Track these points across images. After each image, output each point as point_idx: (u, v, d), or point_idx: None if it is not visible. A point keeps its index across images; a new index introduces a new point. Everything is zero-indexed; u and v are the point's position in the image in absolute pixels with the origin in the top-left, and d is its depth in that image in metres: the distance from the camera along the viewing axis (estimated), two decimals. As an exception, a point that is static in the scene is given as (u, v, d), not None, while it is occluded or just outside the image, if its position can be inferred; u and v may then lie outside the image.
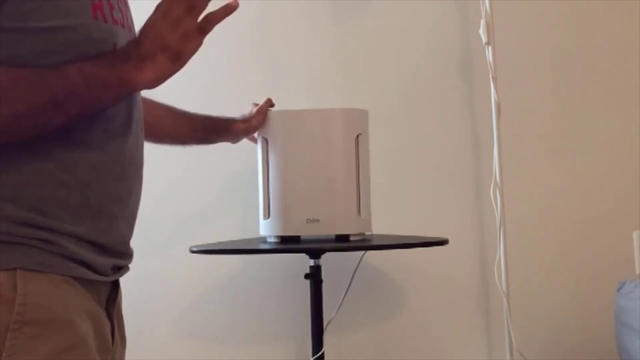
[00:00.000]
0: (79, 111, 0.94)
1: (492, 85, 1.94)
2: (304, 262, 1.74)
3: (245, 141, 1.70)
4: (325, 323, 1.78)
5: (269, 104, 1.67)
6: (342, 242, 1.64)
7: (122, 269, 1.10)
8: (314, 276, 1.73)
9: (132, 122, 1.07)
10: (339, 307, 1.91)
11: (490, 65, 1.93)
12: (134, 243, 1.13)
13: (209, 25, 1.02)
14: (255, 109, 1.65)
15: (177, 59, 0.98)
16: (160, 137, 1.44)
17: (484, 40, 1.93)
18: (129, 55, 0.97)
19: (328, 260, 1.75)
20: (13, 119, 0.89)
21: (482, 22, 1.93)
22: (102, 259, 1.02)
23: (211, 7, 1.02)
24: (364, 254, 1.84)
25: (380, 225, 1.76)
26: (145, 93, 1.10)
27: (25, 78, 0.91)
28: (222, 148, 1.70)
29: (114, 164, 1.03)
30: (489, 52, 1.94)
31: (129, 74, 0.96)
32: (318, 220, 1.61)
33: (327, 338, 1.77)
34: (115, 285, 1.10)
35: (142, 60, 0.96)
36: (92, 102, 0.95)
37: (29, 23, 0.92)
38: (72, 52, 0.95)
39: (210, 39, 2.32)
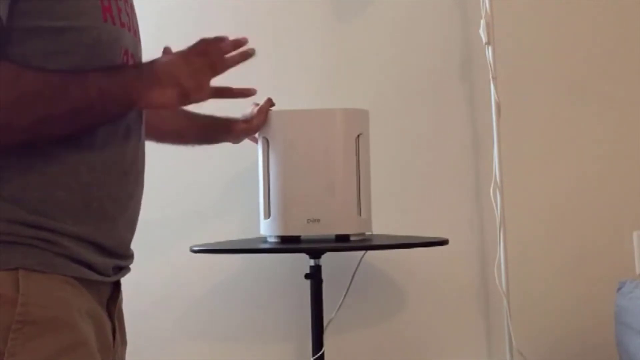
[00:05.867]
0: (90, 124, 0.98)
1: (492, 85, 1.94)
2: (304, 262, 1.74)
3: (245, 141, 1.70)
4: (325, 323, 1.78)
5: (270, 104, 1.67)
6: (342, 242, 1.64)
7: (123, 269, 1.10)
8: (314, 276, 1.73)
9: (134, 125, 1.08)
10: (339, 307, 1.91)
11: (490, 65, 1.93)
12: (134, 243, 1.13)
13: (223, 68, 1.15)
14: (256, 109, 1.65)
15: (184, 97, 1.06)
16: (162, 136, 1.44)
17: (484, 40, 1.93)
18: (141, 75, 1.03)
19: (328, 260, 1.75)
20: (35, 124, 0.91)
21: (482, 22, 1.93)
22: (103, 260, 1.02)
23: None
24: (364, 254, 1.84)
25: (380, 225, 1.76)
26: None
27: (50, 84, 0.92)
28: (222, 148, 1.69)
29: (116, 167, 1.03)
30: (489, 52, 1.94)
31: (138, 93, 1.00)
32: (318, 220, 1.61)
33: (327, 338, 1.78)
34: (117, 285, 1.10)
35: (152, 83, 1.02)
36: (103, 115, 0.98)
37: (41, 22, 0.93)
38: (81, 53, 0.96)
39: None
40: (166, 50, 1.17)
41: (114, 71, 1.00)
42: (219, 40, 1.16)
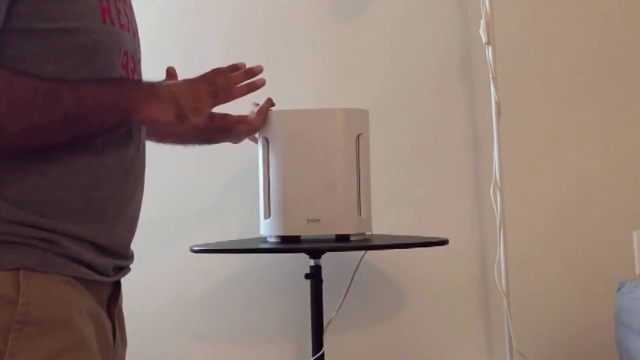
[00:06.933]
0: (83, 132, 0.97)
1: (492, 85, 1.94)
2: (304, 262, 1.74)
3: (245, 141, 1.70)
4: (325, 323, 1.78)
5: (270, 103, 1.67)
6: (342, 242, 1.64)
7: (123, 269, 1.10)
8: (314, 276, 1.73)
9: (134, 126, 1.08)
10: (339, 307, 1.91)
11: (490, 65, 1.93)
12: (134, 243, 1.13)
13: (227, 98, 1.17)
14: (256, 109, 1.65)
15: (181, 118, 1.07)
16: (162, 136, 1.44)
17: (484, 40, 1.93)
18: (140, 88, 1.04)
19: (328, 260, 1.75)
20: (27, 130, 0.91)
21: (482, 22, 1.93)
22: (103, 260, 1.02)
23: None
24: (364, 254, 1.84)
25: (380, 225, 1.76)
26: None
27: (42, 90, 0.92)
28: (222, 148, 1.69)
29: (116, 167, 1.03)
30: (489, 52, 1.94)
31: (135, 105, 1.01)
32: (318, 220, 1.61)
33: (327, 338, 1.77)
34: (117, 285, 1.10)
35: (150, 97, 1.03)
36: (97, 125, 0.98)
37: (40, 24, 0.93)
38: (80, 55, 0.96)
39: (212, 40, 2.33)
40: (169, 71, 1.20)
41: (112, 82, 1.00)
42: (231, 69, 1.20)
